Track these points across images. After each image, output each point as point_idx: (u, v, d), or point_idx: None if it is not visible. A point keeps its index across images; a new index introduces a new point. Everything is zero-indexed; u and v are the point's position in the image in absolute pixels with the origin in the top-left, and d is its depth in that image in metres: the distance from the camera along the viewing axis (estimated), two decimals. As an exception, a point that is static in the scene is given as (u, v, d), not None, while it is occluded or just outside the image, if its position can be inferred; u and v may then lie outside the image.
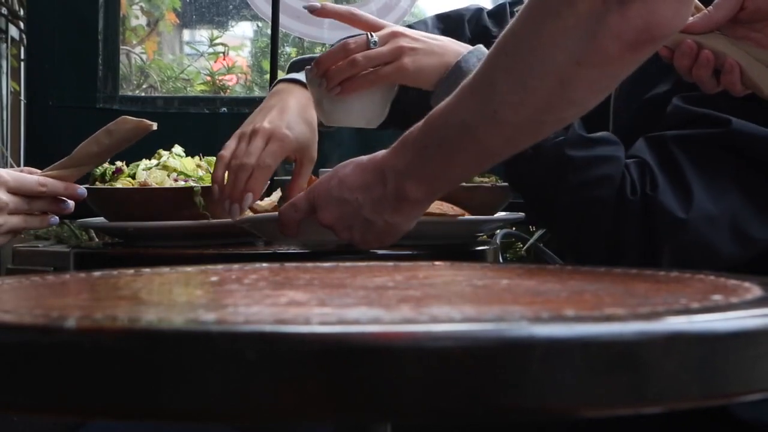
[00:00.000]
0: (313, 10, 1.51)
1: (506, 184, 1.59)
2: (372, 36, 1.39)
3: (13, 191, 1.37)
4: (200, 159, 1.69)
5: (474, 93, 1.05)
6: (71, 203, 1.44)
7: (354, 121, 1.45)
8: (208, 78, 3.79)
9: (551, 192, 1.27)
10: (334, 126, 1.50)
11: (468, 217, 1.51)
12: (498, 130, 1.05)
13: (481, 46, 1.41)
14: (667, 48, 1.17)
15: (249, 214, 1.67)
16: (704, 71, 1.16)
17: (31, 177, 1.39)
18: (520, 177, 1.33)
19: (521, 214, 1.65)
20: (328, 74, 1.39)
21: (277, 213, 1.34)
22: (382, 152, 1.19)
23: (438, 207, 1.48)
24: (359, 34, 1.42)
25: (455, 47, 1.41)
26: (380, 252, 1.44)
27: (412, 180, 1.14)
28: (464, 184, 1.56)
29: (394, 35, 1.41)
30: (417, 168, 1.13)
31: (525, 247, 3.38)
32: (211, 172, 1.65)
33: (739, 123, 1.22)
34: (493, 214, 1.60)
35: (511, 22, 1.01)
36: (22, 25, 4.11)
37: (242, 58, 4.29)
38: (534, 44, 0.97)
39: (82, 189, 1.44)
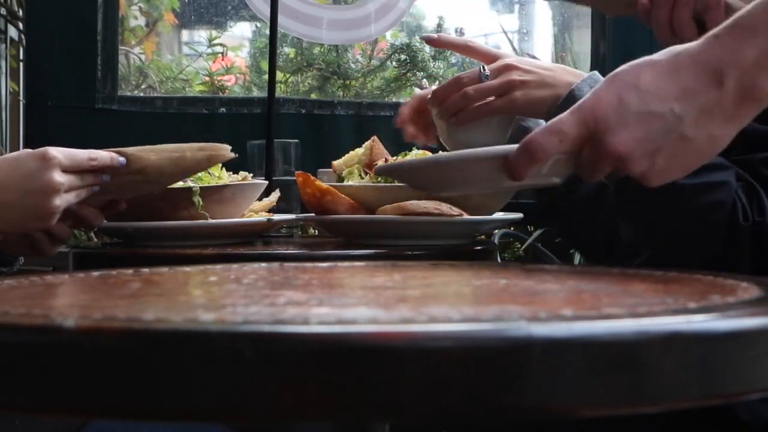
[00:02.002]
0: (429, 40, 1.57)
1: None
2: (484, 69, 1.45)
3: (67, 170, 1.35)
4: (199, 159, 1.69)
5: None
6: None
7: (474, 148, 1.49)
8: (207, 78, 3.79)
9: (661, 218, 1.26)
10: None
11: (466, 217, 1.51)
12: None
13: (595, 72, 1.42)
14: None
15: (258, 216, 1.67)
16: (685, 11, 1.16)
17: (82, 152, 1.37)
18: (628, 203, 1.30)
19: (519, 215, 1.65)
20: (443, 106, 1.46)
21: (500, 148, 0.99)
22: (695, 46, 0.91)
23: (437, 207, 1.48)
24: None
25: (567, 78, 1.43)
26: (379, 251, 1.45)
27: (766, 70, 0.88)
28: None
29: (507, 68, 1.45)
30: None
31: (523, 247, 3.39)
32: (210, 172, 1.65)
33: None
34: (491, 215, 1.60)
35: None
36: (21, 25, 4.11)
37: (241, 58, 4.30)
38: None
39: (122, 159, 1.41)
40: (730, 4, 1.22)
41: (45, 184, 1.32)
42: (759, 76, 0.88)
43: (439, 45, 1.59)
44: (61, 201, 1.34)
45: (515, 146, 0.93)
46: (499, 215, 1.63)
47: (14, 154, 1.36)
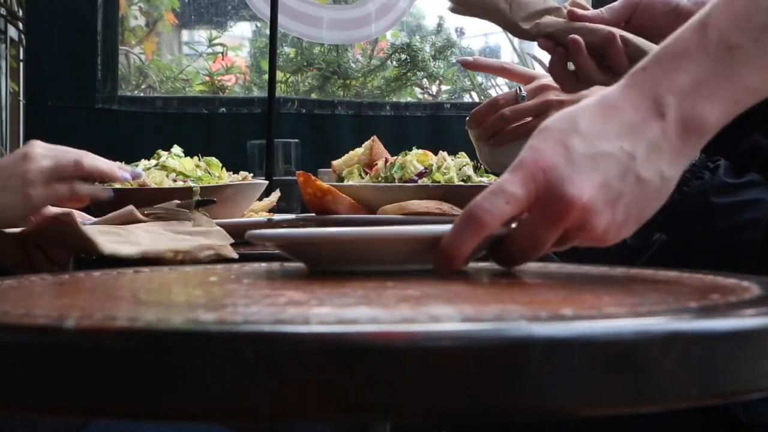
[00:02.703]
0: (465, 64, 1.60)
1: None
2: (521, 90, 1.48)
3: (46, 168, 1.38)
4: (199, 159, 1.69)
5: None
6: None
7: None
8: (207, 78, 3.79)
9: (696, 237, 1.25)
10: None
11: None
12: None
13: None
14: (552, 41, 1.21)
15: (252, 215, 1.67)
16: (580, 55, 1.21)
17: (70, 155, 1.41)
18: (663, 221, 1.28)
19: None
20: (481, 128, 1.48)
21: (429, 228, 0.85)
22: (623, 83, 0.83)
23: (438, 207, 1.48)
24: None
25: None
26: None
27: (705, 98, 0.81)
28: (463, 183, 1.56)
29: (543, 88, 1.47)
30: (715, 79, 0.81)
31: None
32: (210, 172, 1.65)
33: None
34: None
35: None
36: (21, 25, 4.11)
37: (241, 58, 4.30)
38: None
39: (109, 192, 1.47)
40: (626, 38, 1.23)
41: (20, 176, 1.35)
42: (697, 104, 0.81)
43: (475, 68, 1.63)
44: (36, 195, 1.37)
45: (445, 227, 0.80)
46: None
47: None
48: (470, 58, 1.59)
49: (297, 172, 1.59)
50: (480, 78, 3.75)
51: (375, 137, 1.67)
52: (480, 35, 4.19)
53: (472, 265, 0.90)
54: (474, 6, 1.32)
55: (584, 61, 1.26)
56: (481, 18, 1.33)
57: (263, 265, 0.99)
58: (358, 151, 1.68)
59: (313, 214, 1.60)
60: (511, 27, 1.31)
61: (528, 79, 1.50)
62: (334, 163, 1.70)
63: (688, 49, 0.82)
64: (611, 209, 0.80)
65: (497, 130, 1.46)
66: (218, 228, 1.33)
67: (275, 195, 1.80)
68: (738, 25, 0.81)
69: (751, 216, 1.20)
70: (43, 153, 1.38)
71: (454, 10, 1.33)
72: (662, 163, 0.81)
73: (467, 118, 1.52)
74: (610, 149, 0.80)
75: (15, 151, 1.39)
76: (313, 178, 1.56)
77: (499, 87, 3.68)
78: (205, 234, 1.31)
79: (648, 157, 0.81)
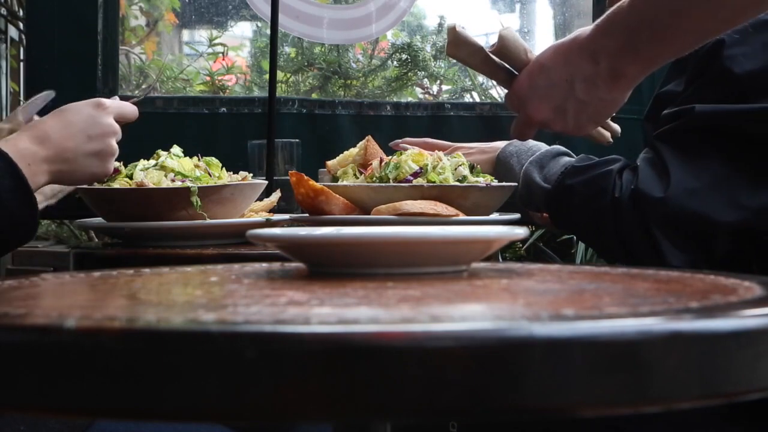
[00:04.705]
0: (395, 146, 1.79)
1: (501, 184, 1.59)
2: None
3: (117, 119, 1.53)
4: (199, 159, 1.69)
5: None
6: None
7: None
8: (208, 78, 3.79)
9: (568, 220, 1.48)
10: None
11: (462, 217, 1.50)
12: (712, 12, 1.09)
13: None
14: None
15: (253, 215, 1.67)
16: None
17: (128, 105, 1.58)
18: (537, 208, 1.53)
19: (516, 215, 1.64)
20: None
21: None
22: (584, 32, 1.22)
23: (432, 207, 1.47)
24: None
25: (497, 144, 1.71)
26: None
27: (627, 59, 1.18)
28: (459, 183, 1.56)
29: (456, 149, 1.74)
30: (631, 48, 1.16)
31: (524, 247, 3.39)
32: (210, 172, 1.65)
33: (701, 106, 1.34)
34: (488, 215, 1.59)
35: None
36: (21, 25, 4.11)
37: (241, 58, 4.29)
38: None
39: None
40: (504, 36, 1.37)
41: (105, 127, 1.49)
42: (619, 61, 1.18)
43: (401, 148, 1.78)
44: (116, 146, 1.51)
45: (446, 229, 0.91)
46: (496, 216, 1.62)
47: (65, 106, 1.51)
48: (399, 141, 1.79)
49: (290, 172, 1.58)
50: (481, 78, 3.75)
51: (369, 137, 1.67)
52: (481, 35, 4.19)
53: (473, 265, 0.90)
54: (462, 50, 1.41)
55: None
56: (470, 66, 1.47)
57: (263, 265, 0.99)
58: (353, 151, 1.67)
59: (308, 215, 1.59)
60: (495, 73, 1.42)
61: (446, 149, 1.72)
62: (329, 163, 1.69)
63: (617, 21, 1.17)
64: (563, 119, 1.27)
65: None
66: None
67: (275, 195, 1.80)
68: (639, 14, 1.14)
69: (600, 185, 1.38)
70: (114, 107, 1.53)
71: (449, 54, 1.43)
72: (599, 92, 1.22)
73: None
74: (557, 80, 1.24)
75: (78, 103, 1.51)
76: (305, 178, 1.55)
77: (500, 87, 3.67)
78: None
79: (586, 87, 1.22)
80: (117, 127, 1.51)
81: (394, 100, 3.53)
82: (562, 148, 1.56)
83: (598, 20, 1.20)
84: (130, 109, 1.56)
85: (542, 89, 1.26)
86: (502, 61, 1.37)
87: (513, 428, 1.29)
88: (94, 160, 1.49)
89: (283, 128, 2.69)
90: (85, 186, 1.59)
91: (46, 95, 1.71)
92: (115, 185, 1.61)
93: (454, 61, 3.74)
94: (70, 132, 1.45)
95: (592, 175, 1.41)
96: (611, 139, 1.42)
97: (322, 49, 3.63)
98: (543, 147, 1.59)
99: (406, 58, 3.62)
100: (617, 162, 1.41)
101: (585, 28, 1.23)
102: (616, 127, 1.43)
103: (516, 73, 1.35)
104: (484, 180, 1.59)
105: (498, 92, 3.50)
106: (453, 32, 1.37)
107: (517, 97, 1.31)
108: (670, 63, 1.34)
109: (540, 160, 1.54)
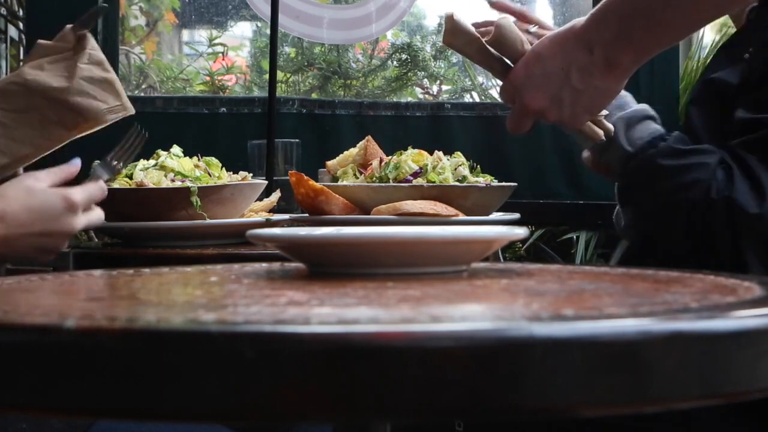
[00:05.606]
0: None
1: (501, 184, 1.59)
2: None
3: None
4: (198, 159, 1.69)
5: None
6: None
7: None
8: (207, 78, 3.79)
9: (647, 198, 1.38)
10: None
11: (462, 217, 1.50)
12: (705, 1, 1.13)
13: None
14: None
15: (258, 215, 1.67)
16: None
17: (99, 189, 1.45)
18: (622, 189, 1.43)
19: (516, 215, 1.64)
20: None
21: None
22: (579, 21, 1.24)
23: (432, 207, 1.47)
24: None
25: None
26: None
27: (621, 48, 1.21)
28: (458, 183, 1.56)
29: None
30: (624, 37, 1.20)
31: (524, 247, 3.39)
32: (210, 172, 1.65)
33: None
34: (487, 215, 1.59)
35: None
36: (21, 25, 4.11)
37: (241, 58, 4.30)
38: None
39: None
40: (501, 25, 1.34)
41: (64, 227, 1.39)
42: (613, 51, 1.21)
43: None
44: (65, 245, 1.42)
45: (446, 229, 0.92)
46: (496, 215, 1.62)
47: (38, 188, 1.39)
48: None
49: (289, 172, 1.58)
50: (481, 78, 3.75)
51: (369, 137, 1.67)
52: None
53: (473, 265, 0.90)
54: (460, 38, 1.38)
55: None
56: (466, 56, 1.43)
57: (263, 265, 0.99)
58: (353, 151, 1.67)
59: (307, 215, 1.59)
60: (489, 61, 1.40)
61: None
62: (329, 163, 1.69)
63: (611, 11, 1.20)
64: (558, 108, 1.28)
65: None
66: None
67: (275, 195, 1.80)
68: (633, 2, 1.17)
69: (695, 176, 1.31)
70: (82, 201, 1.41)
71: (446, 43, 1.40)
72: (594, 80, 1.24)
73: None
74: (553, 70, 1.25)
75: (54, 194, 1.40)
76: (305, 178, 1.55)
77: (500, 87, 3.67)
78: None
79: (580, 76, 1.24)
80: (77, 227, 1.40)
81: (394, 100, 3.54)
82: (650, 111, 1.47)
83: (593, 9, 1.23)
84: (100, 194, 1.45)
85: (538, 78, 1.27)
86: (499, 51, 1.35)
87: (519, 427, 1.29)
88: (35, 252, 1.39)
89: (283, 128, 2.69)
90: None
91: (100, 9, 1.61)
92: (115, 185, 1.61)
93: (454, 61, 3.74)
94: (27, 218, 1.36)
95: (690, 162, 1.34)
96: (604, 138, 1.40)
97: (322, 49, 3.63)
98: (632, 103, 1.48)
99: (406, 58, 3.63)
100: (713, 155, 1.34)
101: (581, 18, 1.25)
102: (610, 126, 1.41)
103: (512, 65, 1.34)
104: (484, 180, 1.59)
105: (498, 93, 3.51)
106: (450, 20, 1.35)
107: (513, 86, 1.31)
108: (719, 48, 1.35)
109: (629, 119, 1.44)
